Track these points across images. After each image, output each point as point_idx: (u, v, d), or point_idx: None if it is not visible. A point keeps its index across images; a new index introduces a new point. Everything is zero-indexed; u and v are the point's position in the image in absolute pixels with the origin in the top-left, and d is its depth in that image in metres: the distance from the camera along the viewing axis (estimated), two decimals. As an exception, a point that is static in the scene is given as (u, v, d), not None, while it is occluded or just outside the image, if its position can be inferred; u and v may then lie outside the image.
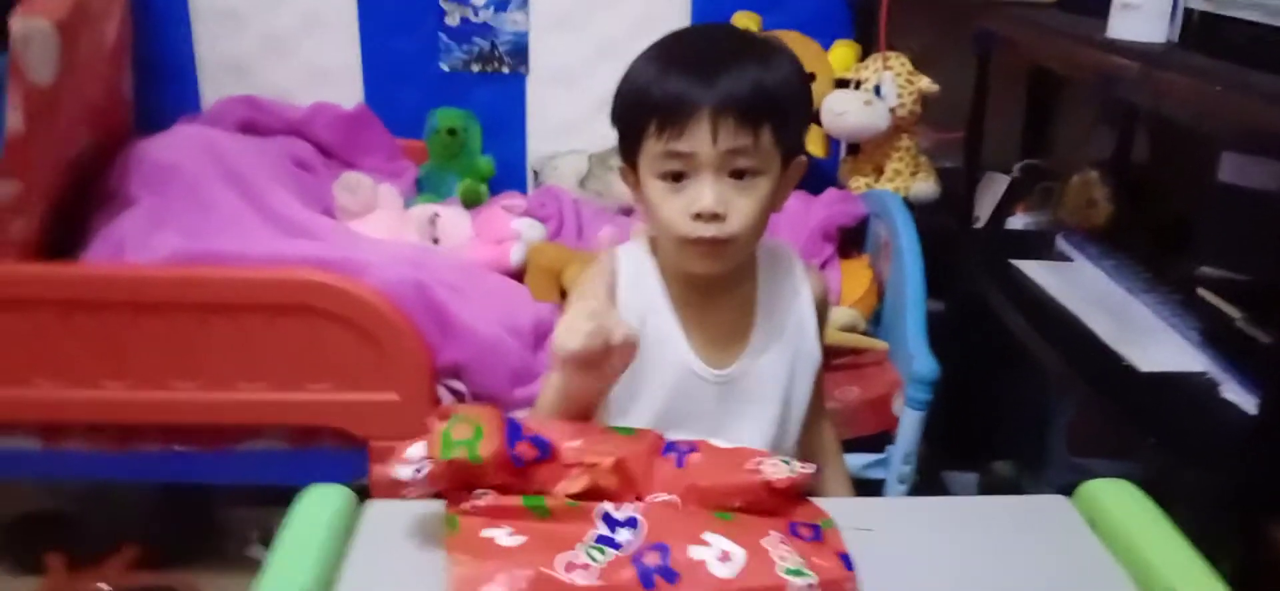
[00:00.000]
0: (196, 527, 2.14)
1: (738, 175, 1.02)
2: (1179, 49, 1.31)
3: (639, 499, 0.89)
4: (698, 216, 1.01)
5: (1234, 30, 1.26)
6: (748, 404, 1.13)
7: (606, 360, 0.96)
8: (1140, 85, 1.27)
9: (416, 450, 0.88)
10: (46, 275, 1.74)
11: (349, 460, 1.77)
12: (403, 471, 0.88)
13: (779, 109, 1.03)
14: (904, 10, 2.19)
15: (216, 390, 1.76)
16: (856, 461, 1.83)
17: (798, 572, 0.82)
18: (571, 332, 0.93)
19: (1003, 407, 2.11)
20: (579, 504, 0.88)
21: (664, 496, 0.89)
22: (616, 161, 1.12)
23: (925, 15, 2.27)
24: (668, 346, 1.11)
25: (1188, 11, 1.40)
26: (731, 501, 0.88)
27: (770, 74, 1.03)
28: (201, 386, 1.76)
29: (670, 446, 0.92)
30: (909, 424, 1.77)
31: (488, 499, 0.87)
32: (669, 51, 1.05)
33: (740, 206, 1.02)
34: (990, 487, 2.08)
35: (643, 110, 1.03)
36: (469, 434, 0.87)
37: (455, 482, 0.87)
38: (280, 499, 0.97)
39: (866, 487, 1.85)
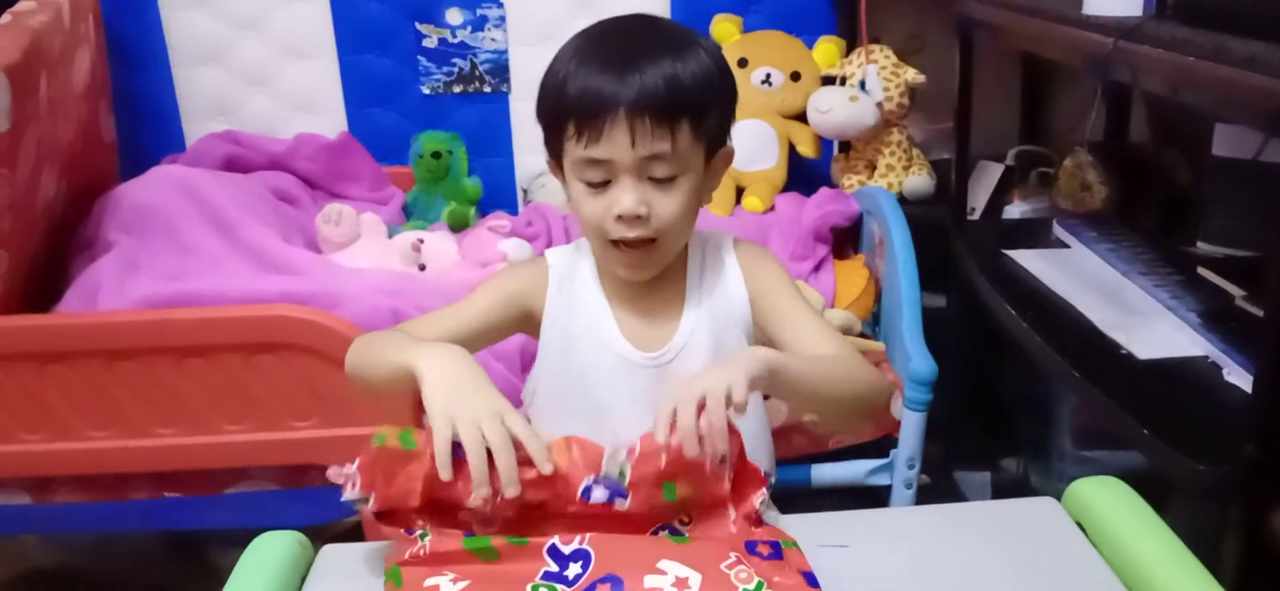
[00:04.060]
0: (197, 574, 2.11)
1: (657, 180, 1.03)
2: (1154, 21, 1.27)
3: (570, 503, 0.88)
4: (620, 218, 1.03)
5: (1210, -1, 1.21)
6: None
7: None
8: (1115, 60, 1.23)
9: (351, 466, 0.91)
10: (15, 327, 1.70)
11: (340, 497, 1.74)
12: (337, 476, 0.90)
13: (696, 104, 1.02)
14: (885, 0, 2.15)
15: (201, 433, 1.72)
16: (860, 468, 1.80)
17: None
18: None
19: (1009, 403, 2.06)
20: (525, 541, 0.86)
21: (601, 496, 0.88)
22: None
23: (908, 4, 2.23)
24: (599, 337, 1.13)
25: (1163, -19, 1.35)
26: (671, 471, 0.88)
27: (685, 67, 1.01)
28: (185, 431, 1.72)
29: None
30: (910, 426, 1.71)
31: (429, 540, 0.85)
32: (587, 46, 1.05)
33: (663, 205, 1.03)
34: (1002, 486, 2.03)
35: (560, 110, 1.04)
36: (397, 435, 0.90)
37: (387, 476, 0.87)
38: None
39: (872, 495, 1.80)
